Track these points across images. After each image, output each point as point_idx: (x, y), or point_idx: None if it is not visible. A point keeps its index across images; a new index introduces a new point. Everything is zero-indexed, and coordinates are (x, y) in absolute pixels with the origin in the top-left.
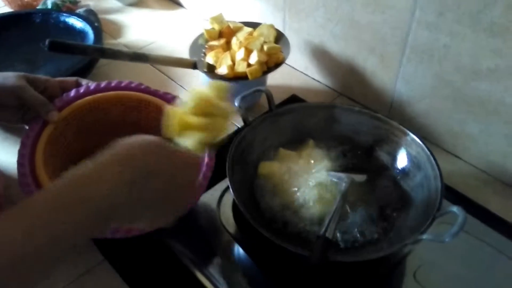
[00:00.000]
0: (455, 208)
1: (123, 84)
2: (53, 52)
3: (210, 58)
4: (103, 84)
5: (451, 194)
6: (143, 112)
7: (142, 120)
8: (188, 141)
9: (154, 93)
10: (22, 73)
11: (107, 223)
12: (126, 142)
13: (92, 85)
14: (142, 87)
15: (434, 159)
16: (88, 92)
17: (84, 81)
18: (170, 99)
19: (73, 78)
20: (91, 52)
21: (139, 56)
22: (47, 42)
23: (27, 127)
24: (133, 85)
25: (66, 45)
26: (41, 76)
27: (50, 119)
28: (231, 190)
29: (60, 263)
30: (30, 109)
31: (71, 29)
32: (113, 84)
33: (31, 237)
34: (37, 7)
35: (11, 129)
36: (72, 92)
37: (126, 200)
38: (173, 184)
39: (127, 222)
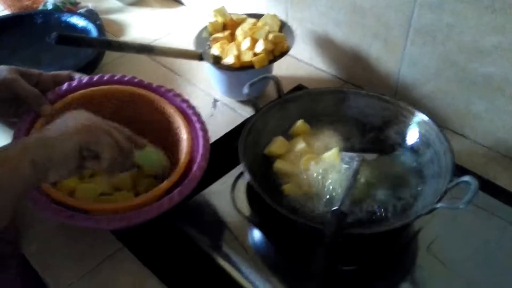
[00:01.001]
0: (467, 177)
1: (116, 78)
2: (60, 46)
3: (215, 50)
4: (95, 77)
5: (461, 172)
6: (137, 106)
7: (137, 115)
8: None
9: (148, 87)
10: (14, 66)
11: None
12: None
13: (85, 78)
14: (136, 80)
15: (443, 134)
16: (80, 86)
17: (77, 75)
18: (164, 92)
19: (66, 72)
20: (98, 45)
21: (145, 48)
22: (53, 35)
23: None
24: (126, 78)
25: (73, 38)
26: (34, 70)
27: (42, 112)
28: (246, 173)
29: None
30: (23, 103)
31: (73, 28)
32: (105, 78)
33: None
34: (38, 9)
35: (5, 123)
36: (65, 86)
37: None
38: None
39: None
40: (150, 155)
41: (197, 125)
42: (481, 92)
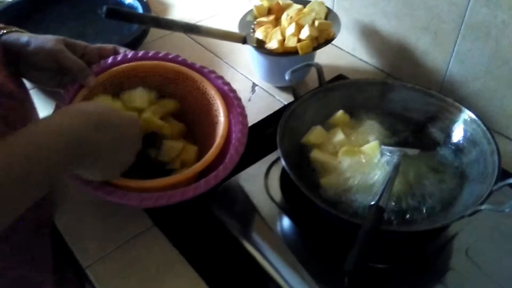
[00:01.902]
0: None
1: (160, 55)
2: (109, 19)
3: (259, 33)
4: (140, 53)
5: (505, 175)
6: (180, 85)
7: (178, 92)
8: None
9: (191, 66)
10: (61, 37)
11: (75, 164)
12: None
13: (130, 53)
14: (179, 59)
15: (491, 134)
16: (125, 60)
17: (122, 49)
18: (207, 73)
19: (111, 46)
20: (147, 21)
21: (191, 28)
22: (104, 8)
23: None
24: (170, 56)
25: (123, 13)
26: (80, 42)
27: (87, 83)
28: (282, 159)
29: (30, 199)
30: (67, 73)
31: (120, 4)
32: (150, 54)
33: (7, 171)
34: None
35: (50, 93)
36: (110, 59)
37: (85, 143)
38: (119, 138)
39: (86, 169)
40: None
41: (237, 110)
42: None
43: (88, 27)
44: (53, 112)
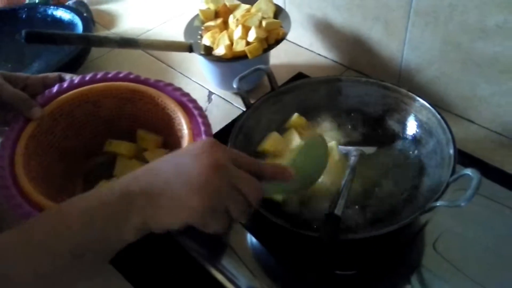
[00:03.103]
0: (468, 171)
1: (110, 75)
2: (31, 44)
3: (206, 40)
4: (88, 76)
5: (467, 159)
6: (137, 103)
7: (138, 112)
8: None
9: (146, 82)
10: None
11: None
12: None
13: (76, 78)
14: (132, 76)
15: (446, 123)
16: (72, 86)
17: (67, 76)
18: (163, 87)
19: (56, 74)
20: (75, 41)
21: (127, 42)
22: (23, 33)
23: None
24: (121, 75)
25: (45, 35)
26: (21, 74)
27: (32, 115)
28: None
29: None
30: (10, 109)
31: (59, 22)
32: (99, 76)
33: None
34: (24, 2)
35: None
36: (56, 87)
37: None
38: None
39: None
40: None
41: (199, 120)
42: (487, 75)
43: (24, 50)
44: None
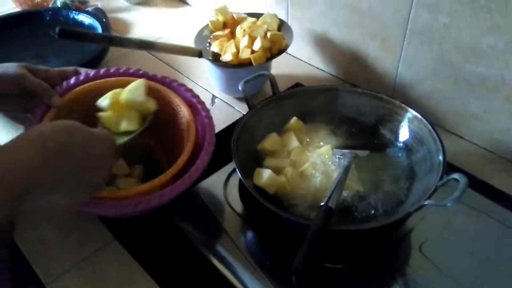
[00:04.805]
0: (456, 175)
1: (121, 70)
2: (63, 40)
3: (215, 47)
4: (102, 71)
5: (456, 171)
6: None
7: None
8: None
9: (153, 78)
10: (23, 63)
11: (25, 197)
12: (40, 125)
13: (91, 72)
14: (140, 72)
15: (436, 133)
16: (88, 79)
17: (83, 70)
18: (169, 83)
19: (72, 68)
20: (100, 40)
21: (145, 44)
22: (57, 29)
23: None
24: (131, 71)
25: (75, 33)
26: (41, 66)
27: (53, 103)
28: (237, 169)
29: None
30: (33, 97)
31: (80, 25)
32: (112, 71)
33: None
34: (47, 6)
35: (16, 119)
36: (73, 80)
37: (42, 174)
38: (86, 158)
39: (45, 195)
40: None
41: (203, 113)
42: (478, 93)
43: (48, 47)
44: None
